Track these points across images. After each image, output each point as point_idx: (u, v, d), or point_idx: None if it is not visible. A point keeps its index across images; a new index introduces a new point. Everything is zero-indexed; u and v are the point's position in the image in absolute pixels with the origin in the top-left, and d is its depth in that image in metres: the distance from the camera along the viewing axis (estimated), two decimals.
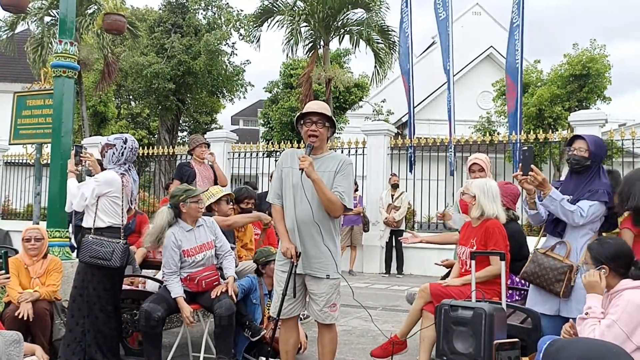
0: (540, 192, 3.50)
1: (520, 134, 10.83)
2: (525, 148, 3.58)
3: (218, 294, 4.19)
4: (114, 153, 4.23)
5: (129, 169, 4.32)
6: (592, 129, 9.41)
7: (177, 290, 4.19)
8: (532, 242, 4.21)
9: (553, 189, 3.43)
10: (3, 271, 3.69)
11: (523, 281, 4.32)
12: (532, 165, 3.44)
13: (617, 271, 2.88)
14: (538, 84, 17.79)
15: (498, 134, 12.55)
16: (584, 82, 16.41)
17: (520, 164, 3.56)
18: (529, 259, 3.65)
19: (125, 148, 4.26)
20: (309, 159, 3.37)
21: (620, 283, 2.87)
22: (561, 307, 3.44)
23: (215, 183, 6.70)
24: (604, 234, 3.57)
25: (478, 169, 4.88)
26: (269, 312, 4.62)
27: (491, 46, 23.94)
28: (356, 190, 10.48)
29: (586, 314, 2.78)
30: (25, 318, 4.11)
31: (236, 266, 4.94)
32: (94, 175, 4.36)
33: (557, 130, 11.17)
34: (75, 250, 4.62)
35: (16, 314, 4.11)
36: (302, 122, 3.55)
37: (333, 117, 3.54)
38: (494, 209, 4.09)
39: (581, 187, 3.50)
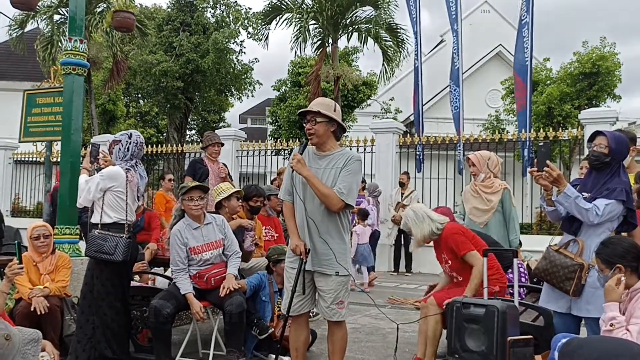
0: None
1: (529, 132, 10.75)
2: (542, 144, 3.53)
3: (226, 294, 4.18)
4: (119, 149, 4.24)
5: (136, 165, 4.32)
6: (602, 127, 9.29)
7: (186, 287, 4.20)
8: (543, 240, 4.19)
9: (568, 185, 3.35)
10: (17, 261, 3.72)
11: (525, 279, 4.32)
12: (548, 161, 3.37)
13: (631, 266, 2.85)
14: (547, 82, 17.67)
15: (507, 132, 12.48)
16: (594, 80, 16.28)
17: (536, 160, 3.51)
18: (542, 255, 3.61)
19: (130, 143, 4.25)
20: (298, 156, 3.42)
21: (639, 282, 2.83)
22: (572, 306, 3.40)
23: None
24: (623, 234, 3.51)
25: (471, 163, 5.09)
26: (278, 311, 4.61)
27: (500, 44, 23.80)
28: (364, 188, 10.44)
29: (611, 325, 2.71)
30: (39, 312, 4.12)
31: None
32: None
33: (567, 129, 11.07)
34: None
35: (32, 309, 4.11)
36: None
37: (326, 112, 3.43)
38: (424, 228, 4.14)
39: (600, 185, 3.43)
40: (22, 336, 2.56)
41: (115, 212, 4.14)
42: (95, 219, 4.16)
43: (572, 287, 3.31)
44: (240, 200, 5.11)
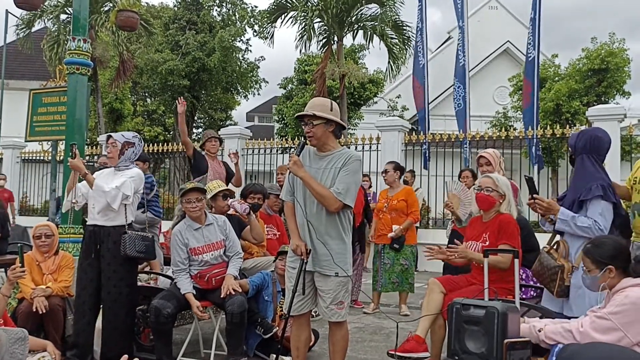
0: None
1: (536, 129, 10.67)
2: (526, 177, 3.60)
3: (226, 295, 4.17)
4: (133, 151, 4.30)
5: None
6: (611, 124, 9.23)
7: (186, 287, 4.20)
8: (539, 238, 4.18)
9: (561, 209, 3.37)
10: (19, 265, 3.72)
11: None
12: (535, 195, 3.48)
13: (621, 268, 2.81)
14: (555, 79, 17.55)
15: (514, 129, 12.40)
16: (603, 76, 16.17)
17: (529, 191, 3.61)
18: (537, 257, 3.60)
19: (140, 147, 4.37)
20: (294, 157, 3.42)
21: (621, 282, 2.77)
22: (564, 306, 3.40)
23: (228, 180, 6.66)
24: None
25: (485, 162, 4.96)
26: (281, 311, 4.59)
27: (508, 41, 23.65)
28: (370, 187, 10.40)
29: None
30: (40, 311, 4.12)
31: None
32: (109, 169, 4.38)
33: (575, 126, 11.00)
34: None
35: (34, 309, 4.11)
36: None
37: (321, 114, 3.42)
38: (511, 205, 4.10)
39: (573, 182, 3.51)
40: (8, 336, 2.57)
41: (131, 213, 4.18)
42: (117, 221, 4.10)
43: (555, 289, 3.34)
44: (227, 199, 5.06)
